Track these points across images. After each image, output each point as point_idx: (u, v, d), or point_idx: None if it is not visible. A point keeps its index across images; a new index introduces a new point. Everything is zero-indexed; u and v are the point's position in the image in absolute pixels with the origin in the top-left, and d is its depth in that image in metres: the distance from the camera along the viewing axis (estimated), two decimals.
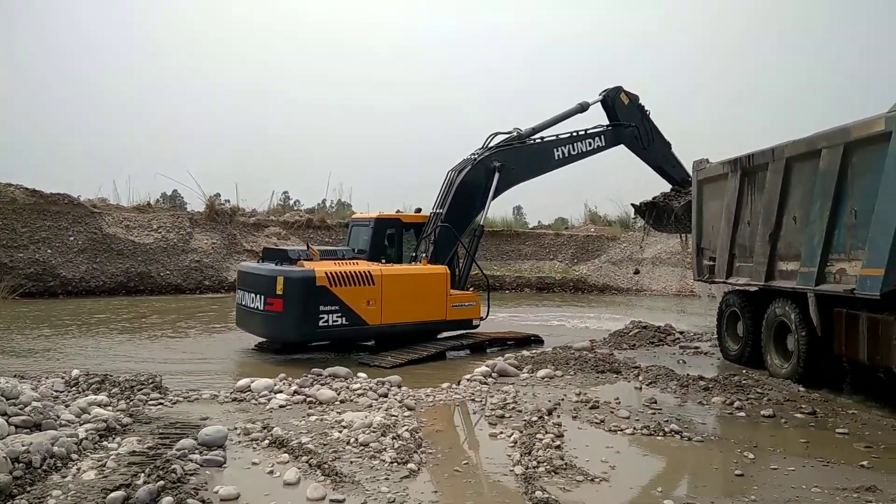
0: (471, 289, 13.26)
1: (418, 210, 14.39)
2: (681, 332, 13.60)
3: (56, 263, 20.85)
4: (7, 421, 5.52)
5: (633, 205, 16.29)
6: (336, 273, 10.89)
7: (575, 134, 14.08)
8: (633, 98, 14.61)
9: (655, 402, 7.75)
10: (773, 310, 9.71)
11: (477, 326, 12.64)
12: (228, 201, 26.26)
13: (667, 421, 6.97)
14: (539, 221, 33.68)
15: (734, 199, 10.74)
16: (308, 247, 11.83)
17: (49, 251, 20.88)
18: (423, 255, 12.55)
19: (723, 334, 11.48)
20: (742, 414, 7.47)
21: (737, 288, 11.12)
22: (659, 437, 6.55)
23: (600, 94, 14.52)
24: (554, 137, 13.98)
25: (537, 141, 13.96)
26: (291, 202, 34.28)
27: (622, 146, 14.62)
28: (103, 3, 71.59)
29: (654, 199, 15.24)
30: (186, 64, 73.44)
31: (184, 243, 23.32)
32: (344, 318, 10.86)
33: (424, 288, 11.78)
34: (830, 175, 8.29)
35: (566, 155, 13.93)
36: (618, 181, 57.36)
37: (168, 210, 25.44)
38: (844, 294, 7.94)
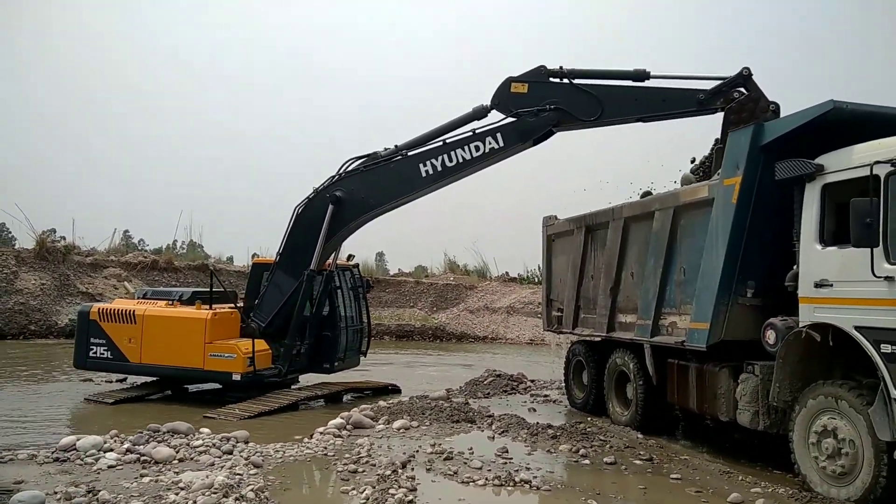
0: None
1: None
2: (532, 381, 14.05)
3: None
4: None
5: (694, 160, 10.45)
6: (106, 309, 11.73)
7: (453, 140, 10.88)
8: (533, 76, 10.52)
9: (507, 452, 7.88)
10: (614, 359, 10.30)
11: (237, 382, 10.92)
12: (64, 238, 24.21)
13: (517, 470, 7.10)
14: (399, 269, 33.90)
15: (579, 255, 11.39)
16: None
17: None
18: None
19: (570, 383, 11.99)
20: (587, 461, 7.76)
21: (582, 338, 11.71)
22: (509, 487, 6.64)
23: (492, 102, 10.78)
24: (420, 150, 11.15)
25: (398, 158, 11.31)
26: (136, 241, 32.20)
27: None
28: None
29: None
30: (21, 86, 67.58)
31: (7, 283, 21.08)
32: (109, 353, 11.52)
33: (182, 332, 11.17)
34: (662, 235, 9.05)
35: (440, 168, 10.87)
36: (477, 231, 59.09)
37: None
38: (676, 346, 8.60)
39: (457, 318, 27.57)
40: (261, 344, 11.24)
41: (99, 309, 11.78)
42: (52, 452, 7.12)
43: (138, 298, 12.48)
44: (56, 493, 5.77)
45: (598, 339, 11.02)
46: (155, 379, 12.05)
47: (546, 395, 12.77)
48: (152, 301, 12.04)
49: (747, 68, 9.32)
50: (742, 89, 9.39)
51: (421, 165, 11.02)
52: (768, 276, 7.48)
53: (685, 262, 8.69)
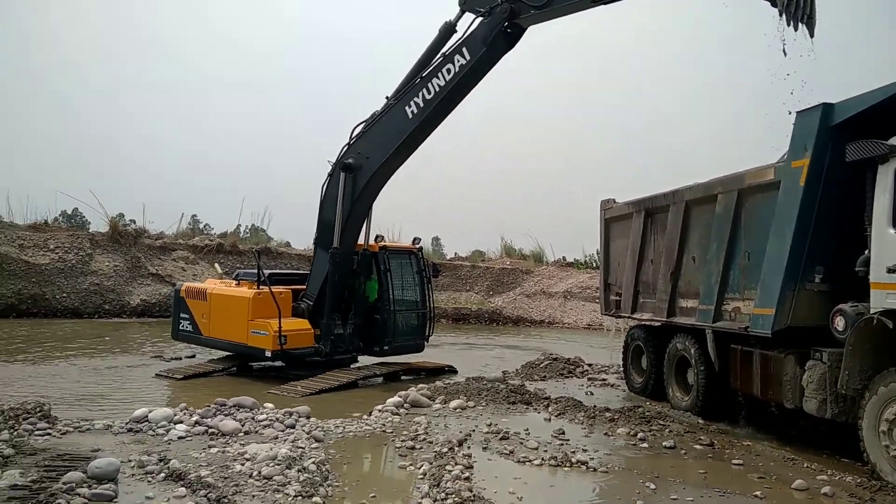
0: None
1: (416, 240, 13.35)
2: (589, 365, 13.97)
3: None
4: None
5: None
6: (191, 287, 12.96)
7: (427, 71, 10.43)
8: None
9: (563, 433, 7.88)
10: (674, 345, 10.14)
11: (269, 358, 11.47)
12: (134, 222, 25.18)
13: (573, 452, 7.10)
14: (456, 253, 33.97)
15: (638, 238, 11.21)
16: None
17: None
18: None
19: (628, 367, 11.87)
20: (645, 445, 7.70)
21: (641, 323, 11.56)
22: (566, 468, 6.66)
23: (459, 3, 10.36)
24: (403, 93, 10.74)
25: (388, 109, 10.94)
26: (201, 226, 33.23)
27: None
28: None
29: None
30: (92, 77, 70.25)
31: (83, 265, 22.12)
32: (191, 327, 12.62)
33: (232, 309, 11.81)
34: (726, 219, 8.82)
35: (422, 104, 10.37)
36: (535, 215, 58.62)
37: (67, 230, 24.09)
38: (739, 332, 8.40)
39: (513, 302, 27.53)
40: (301, 323, 11.55)
41: (186, 287, 13.01)
42: (126, 423, 7.45)
43: (232, 279, 13.27)
44: (130, 460, 6.07)
45: (658, 323, 10.86)
46: (223, 356, 12.64)
47: (604, 380, 12.68)
48: (229, 281, 12.85)
49: None
50: None
51: (406, 108, 10.61)
52: (837, 260, 7.24)
53: (750, 246, 8.47)
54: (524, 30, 10.08)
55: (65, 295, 21.40)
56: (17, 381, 10.66)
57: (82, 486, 5.19)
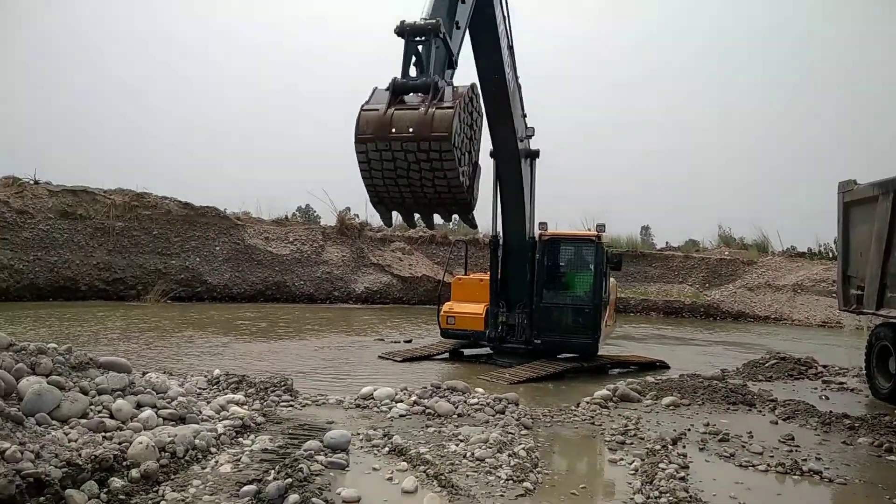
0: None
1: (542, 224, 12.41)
2: (824, 366, 12.59)
3: (203, 271, 22.69)
4: (156, 413, 6.07)
5: None
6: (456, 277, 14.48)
7: None
8: None
9: (793, 439, 7.22)
10: None
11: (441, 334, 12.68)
12: (357, 216, 27.39)
13: (805, 459, 6.48)
14: (667, 242, 32.44)
15: (886, 225, 9.83)
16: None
17: (198, 259, 22.77)
18: None
19: (872, 370, 10.51)
20: (893, 457, 6.80)
21: (888, 320, 10.16)
22: (795, 476, 6.10)
23: None
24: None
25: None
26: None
27: None
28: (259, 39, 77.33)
29: None
30: (324, 92, 77.50)
31: (316, 255, 24.61)
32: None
33: (447, 294, 13.29)
34: None
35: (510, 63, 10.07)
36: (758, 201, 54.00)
37: (303, 224, 26.94)
38: None
39: (732, 295, 25.69)
40: (474, 308, 12.23)
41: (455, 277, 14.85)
42: (355, 399, 8.18)
43: None
44: (359, 433, 6.65)
45: None
46: (438, 342, 13.40)
47: (842, 383, 11.35)
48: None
49: None
50: None
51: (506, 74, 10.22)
52: None
53: None
54: None
55: (302, 282, 23.97)
56: (264, 357, 12.17)
57: (320, 454, 5.80)
